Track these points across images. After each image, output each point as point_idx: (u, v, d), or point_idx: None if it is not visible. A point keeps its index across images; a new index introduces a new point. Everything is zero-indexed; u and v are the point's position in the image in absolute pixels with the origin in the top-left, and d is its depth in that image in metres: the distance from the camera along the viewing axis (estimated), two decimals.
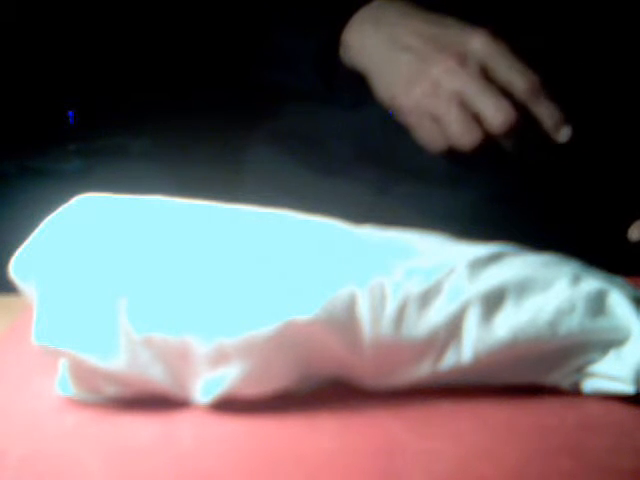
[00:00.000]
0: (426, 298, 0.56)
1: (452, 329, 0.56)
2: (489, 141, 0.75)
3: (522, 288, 0.57)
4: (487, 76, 0.75)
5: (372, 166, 0.89)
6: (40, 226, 0.59)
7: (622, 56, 0.85)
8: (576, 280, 0.58)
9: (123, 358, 0.54)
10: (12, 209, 0.95)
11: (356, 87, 0.83)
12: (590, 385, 0.58)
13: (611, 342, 0.57)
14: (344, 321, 0.55)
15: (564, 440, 0.53)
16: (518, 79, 0.74)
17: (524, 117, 0.74)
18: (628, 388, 0.56)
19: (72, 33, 0.99)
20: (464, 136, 0.75)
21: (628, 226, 0.70)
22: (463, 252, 0.58)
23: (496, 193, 0.86)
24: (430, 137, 0.78)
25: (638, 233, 0.69)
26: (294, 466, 0.50)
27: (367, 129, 0.89)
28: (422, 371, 0.57)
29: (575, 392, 0.58)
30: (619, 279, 0.60)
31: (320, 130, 0.92)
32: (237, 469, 0.50)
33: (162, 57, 1.03)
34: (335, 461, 0.51)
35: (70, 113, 1.01)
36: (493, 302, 0.56)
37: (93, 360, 0.54)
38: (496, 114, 0.74)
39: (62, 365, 0.56)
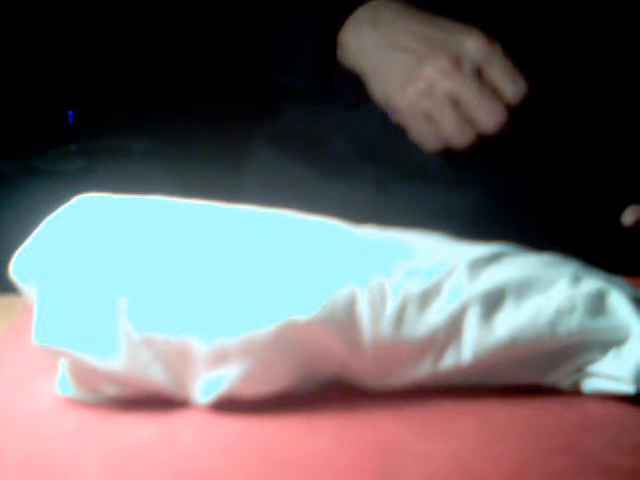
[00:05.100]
0: (426, 298, 0.56)
1: (452, 329, 0.56)
2: (483, 140, 0.76)
3: (522, 288, 0.57)
4: (481, 76, 0.76)
5: (371, 165, 0.89)
6: (40, 226, 0.59)
7: (616, 55, 0.85)
8: (576, 280, 0.58)
9: (123, 358, 0.54)
10: (12, 209, 0.95)
11: (354, 87, 0.83)
12: (590, 385, 0.58)
13: (611, 342, 0.57)
14: (344, 321, 0.55)
15: (564, 440, 0.53)
16: (509, 86, 0.75)
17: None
18: (628, 388, 0.56)
19: (73, 33, 0.99)
20: (458, 136, 0.76)
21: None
22: (463, 252, 0.58)
23: (496, 192, 0.86)
24: (425, 136, 0.78)
25: (631, 218, 0.69)
26: (294, 466, 0.50)
27: (366, 128, 0.89)
28: (422, 371, 0.57)
29: (575, 392, 0.58)
30: (619, 279, 0.60)
31: (320, 130, 0.92)
32: (237, 469, 0.50)
33: (162, 58, 1.03)
34: (335, 461, 0.51)
35: (70, 113, 1.01)
36: (493, 302, 0.56)
37: (93, 360, 0.54)
38: (488, 117, 0.75)
39: (62, 365, 0.56)
